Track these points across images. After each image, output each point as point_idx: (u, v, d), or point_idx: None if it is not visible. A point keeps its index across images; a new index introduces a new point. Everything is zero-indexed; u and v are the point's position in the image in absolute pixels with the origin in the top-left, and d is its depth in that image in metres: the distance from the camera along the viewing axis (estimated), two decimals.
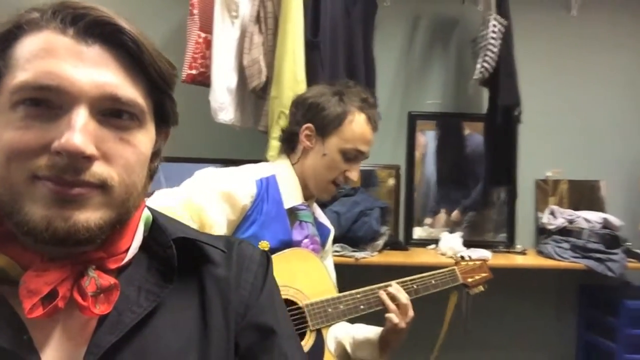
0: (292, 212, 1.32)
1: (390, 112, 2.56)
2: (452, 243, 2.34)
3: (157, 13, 2.46)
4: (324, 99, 1.32)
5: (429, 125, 2.68)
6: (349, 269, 1.87)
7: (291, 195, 1.32)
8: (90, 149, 0.50)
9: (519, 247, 2.57)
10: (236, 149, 2.33)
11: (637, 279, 2.51)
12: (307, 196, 1.37)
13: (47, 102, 0.51)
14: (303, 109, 1.35)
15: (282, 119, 1.87)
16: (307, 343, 1.21)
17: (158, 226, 0.62)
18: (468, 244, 2.41)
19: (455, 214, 2.66)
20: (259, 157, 1.86)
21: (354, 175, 1.33)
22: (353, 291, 1.30)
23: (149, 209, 0.64)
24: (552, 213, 2.57)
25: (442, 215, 2.67)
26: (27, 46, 0.52)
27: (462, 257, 1.66)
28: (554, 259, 2.35)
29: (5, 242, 0.54)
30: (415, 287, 1.39)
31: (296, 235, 1.28)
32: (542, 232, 2.58)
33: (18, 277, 0.52)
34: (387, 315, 1.30)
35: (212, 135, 2.35)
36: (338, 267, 1.46)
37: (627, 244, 2.33)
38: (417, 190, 2.64)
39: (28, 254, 0.54)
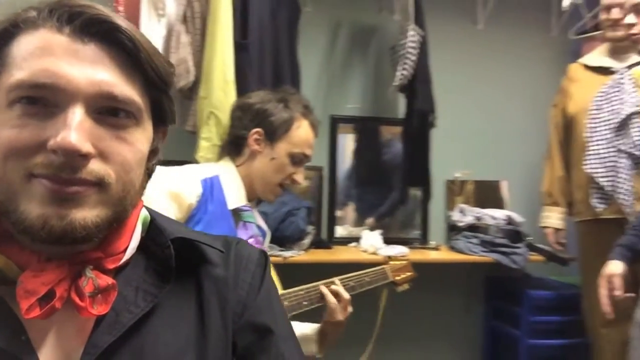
0: (236, 213, 1.35)
1: None
2: (372, 240, 2.45)
3: None
4: (270, 105, 1.39)
5: (350, 128, 2.78)
6: (277, 268, 1.89)
7: (235, 196, 1.35)
8: (86, 147, 0.50)
9: (432, 243, 2.75)
10: (163, 148, 2.28)
11: (536, 271, 2.77)
12: (250, 198, 1.40)
13: (44, 100, 0.51)
14: (250, 114, 1.40)
15: (212, 120, 1.87)
16: None
17: (156, 226, 0.62)
18: (386, 241, 2.52)
19: (370, 218, 2.78)
20: (186, 157, 1.85)
21: (300, 177, 1.41)
22: (296, 288, 1.35)
23: (147, 208, 0.64)
24: (462, 211, 2.76)
25: (368, 217, 2.78)
26: (24, 45, 0.52)
27: (390, 257, 1.77)
28: (465, 253, 2.53)
29: (3, 242, 0.54)
30: (352, 284, 1.48)
31: (241, 235, 1.30)
32: (453, 229, 2.76)
33: (15, 277, 0.52)
34: (329, 310, 1.36)
35: None
36: None
37: (529, 238, 2.56)
38: (339, 191, 2.73)
39: (25, 254, 0.53)
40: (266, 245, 1.50)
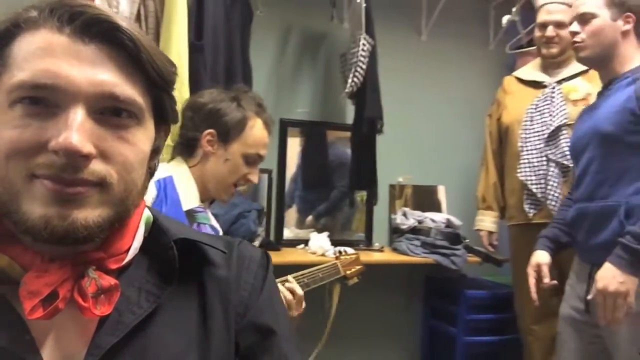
0: (190, 214, 1.34)
1: None
2: (321, 242, 2.50)
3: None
4: (223, 105, 1.35)
5: (298, 132, 2.82)
6: None
7: (189, 197, 1.34)
8: (87, 148, 0.50)
9: (376, 245, 2.83)
10: None
11: (472, 272, 2.91)
12: (203, 198, 1.39)
13: (45, 100, 0.51)
14: (202, 114, 1.37)
15: None
16: None
17: (159, 227, 0.62)
18: (332, 243, 2.57)
19: (310, 218, 2.83)
20: None
21: (254, 177, 1.40)
22: None
23: (150, 209, 0.64)
24: (404, 214, 2.86)
25: (308, 217, 2.83)
26: (25, 45, 0.52)
27: (340, 252, 1.82)
28: (408, 254, 2.62)
29: (6, 243, 0.53)
30: (306, 280, 1.51)
31: None
32: (396, 232, 2.86)
33: (19, 277, 0.52)
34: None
35: None
36: None
37: (466, 241, 2.70)
38: (287, 193, 2.76)
39: (28, 254, 0.53)
40: None
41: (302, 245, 2.64)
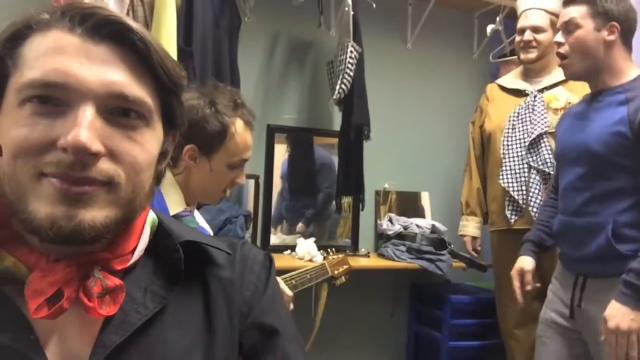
0: (176, 219, 1.34)
1: None
2: (308, 248, 2.51)
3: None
4: (200, 115, 1.29)
5: (286, 138, 2.84)
6: None
7: (175, 202, 1.34)
8: (96, 146, 0.50)
9: (363, 250, 2.84)
10: None
11: (456, 277, 2.95)
12: (189, 202, 1.40)
13: (55, 99, 0.51)
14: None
15: None
16: None
17: (164, 229, 0.62)
18: (320, 248, 2.59)
19: (300, 225, 2.84)
20: None
21: (241, 179, 1.39)
22: None
23: (154, 211, 0.64)
24: (390, 220, 2.89)
25: (293, 223, 2.85)
26: (36, 45, 0.52)
27: (328, 252, 1.84)
28: (394, 260, 2.64)
29: (12, 243, 0.53)
30: (294, 282, 1.53)
31: None
32: (381, 237, 2.89)
33: (24, 277, 0.52)
34: None
35: None
36: None
37: (451, 246, 2.73)
38: (274, 199, 2.77)
39: (34, 254, 0.53)
40: None
41: (288, 251, 2.65)
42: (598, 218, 1.60)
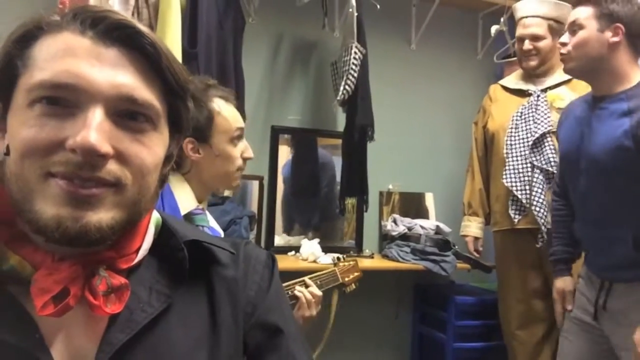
0: (188, 218, 1.35)
1: (254, 125, 2.65)
2: (312, 249, 2.51)
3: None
4: None
5: (290, 139, 2.84)
6: None
7: (185, 201, 1.35)
8: (105, 147, 0.50)
9: (367, 251, 2.83)
10: None
11: (460, 278, 2.95)
12: (200, 199, 1.40)
13: (64, 100, 0.51)
14: None
15: None
16: None
17: (168, 229, 0.62)
18: (324, 249, 2.59)
19: (304, 226, 2.85)
20: None
21: (249, 152, 1.40)
22: None
23: (158, 211, 0.64)
24: (394, 221, 2.89)
25: (297, 224, 2.85)
26: (46, 46, 0.53)
27: (339, 259, 1.82)
28: (398, 261, 2.64)
29: (18, 242, 0.54)
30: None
31: None
32: (385, 238, 2.89)
33: (29, 276, 0.52)
34: (301, 306, 1.46)
35: None
36: None
37: (455, 247, 2.73)
38: (278, 200, 2.77)
39: (39, 253, 0.53)
40: None
41: (293, 252, 2.65)
42: (618, 227, 1.59)
